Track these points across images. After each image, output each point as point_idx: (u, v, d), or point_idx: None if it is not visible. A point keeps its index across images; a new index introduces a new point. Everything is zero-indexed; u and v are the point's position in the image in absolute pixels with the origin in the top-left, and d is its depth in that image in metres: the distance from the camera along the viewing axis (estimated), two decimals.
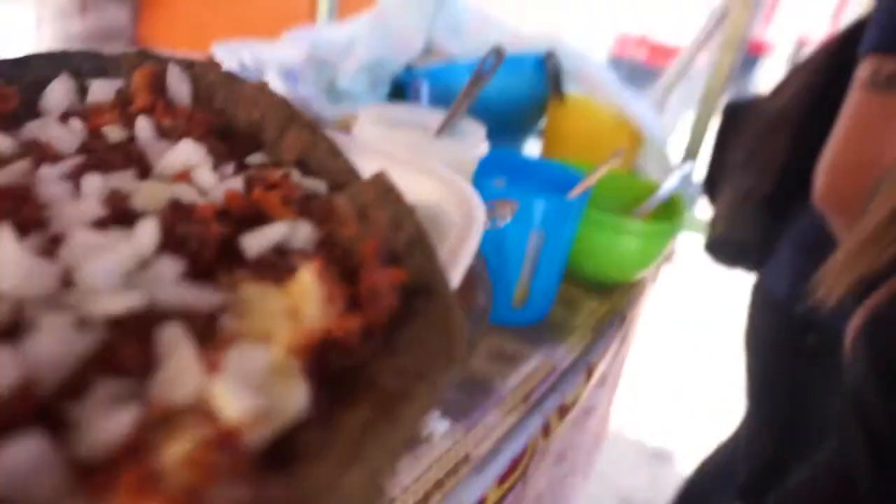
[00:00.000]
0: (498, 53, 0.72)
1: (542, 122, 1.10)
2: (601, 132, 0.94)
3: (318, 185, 0.23)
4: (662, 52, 6.12)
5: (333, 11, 1.59)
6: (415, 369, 0.14)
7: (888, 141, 0.73)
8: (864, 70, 0.76)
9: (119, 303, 0.14)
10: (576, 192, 0.67)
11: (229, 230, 0.18)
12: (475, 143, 0.66)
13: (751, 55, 7.01)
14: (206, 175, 0.22)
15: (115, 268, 0.15)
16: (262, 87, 0.29)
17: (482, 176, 0.66)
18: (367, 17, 1.22)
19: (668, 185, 0.82)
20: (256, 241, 0.18)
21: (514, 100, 1.06)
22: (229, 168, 0.24)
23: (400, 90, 1.16)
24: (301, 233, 0.19)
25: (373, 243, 0.17)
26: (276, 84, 0.96)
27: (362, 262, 0.16)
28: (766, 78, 8.78)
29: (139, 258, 0.16)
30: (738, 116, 1.04)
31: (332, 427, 0.13)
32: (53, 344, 0.13)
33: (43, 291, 0.14)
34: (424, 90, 1.00)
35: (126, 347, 0.14)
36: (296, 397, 0.13)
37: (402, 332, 0.15)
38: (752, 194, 0.99)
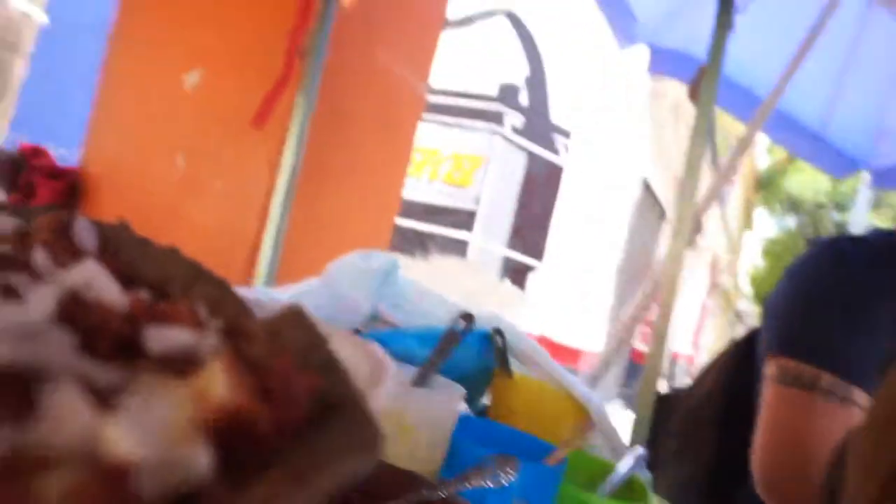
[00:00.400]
0: (467, 318, 0.75)
1: (484, 399, 1.10)
2: (549, 410, 0.95)
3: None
4: (564, 353, 6.62)
5: (272, 277, 1.63)
6: (327, 453, 0.14)
7: (810, 429, 0.80)
8: (770, 368, 0.86)
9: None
10: (552, 461, 0.65)
11: (130, 329, 0.17)
12: (455, 398, 0.65)
13: (635, 363, 7.73)
14: (110, 288, 0.19)
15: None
16: (173, 249, 0.28)
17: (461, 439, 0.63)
18: (315, 281, 1.26)
19: (625, 466, 0.81)
20: (161, 339, 0.16)
21: (460, 374, 1.07)
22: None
23: None
24: (208, 342, 0.17)
25: (287, 357, 0.17)
26: None
27: (275, 369, 0.16)
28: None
29: (30, 323, 0.15)
30: (665, 409, 1.10)
31: (238, 496, 0.13)
32: None
33: None
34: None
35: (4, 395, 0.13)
36: (197, 458, 0.13)
37: (317, 432, 0.15)
38: (690, 484, 0.99)
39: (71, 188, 1.82)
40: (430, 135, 6.82)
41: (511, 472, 0.51)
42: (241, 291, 0.97)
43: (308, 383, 0.16)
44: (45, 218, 0.25)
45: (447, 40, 6.63)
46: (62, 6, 6.44)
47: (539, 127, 6.95)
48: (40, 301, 0.16)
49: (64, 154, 2.01)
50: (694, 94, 1.33)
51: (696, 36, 1.80)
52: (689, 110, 7.17)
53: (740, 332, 1.30)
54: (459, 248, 6.84)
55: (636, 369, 8.47)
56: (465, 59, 6.85)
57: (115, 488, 0.12)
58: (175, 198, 1.84)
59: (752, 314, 16.08)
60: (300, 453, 0.14)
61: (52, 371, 0.14)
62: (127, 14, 2.07)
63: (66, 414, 0.13)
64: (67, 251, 0.24)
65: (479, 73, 6.89)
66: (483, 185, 6.79)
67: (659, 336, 1.14)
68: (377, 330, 1.15)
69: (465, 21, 6.95)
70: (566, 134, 6.96)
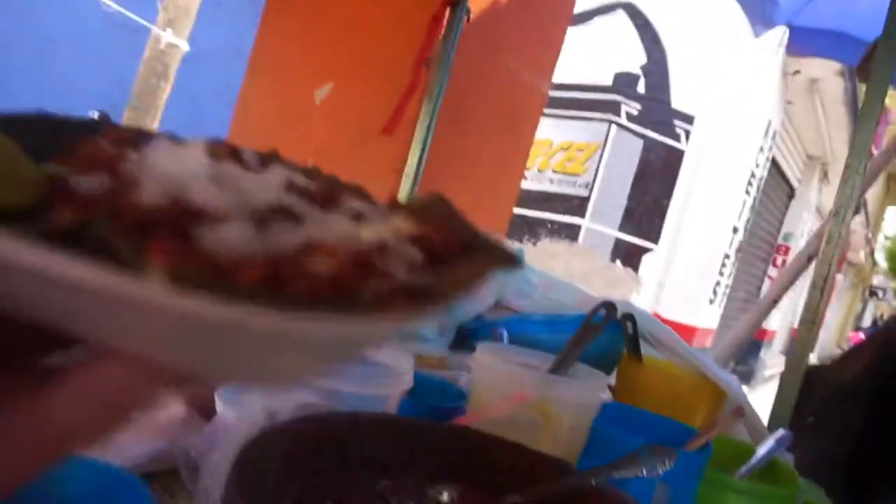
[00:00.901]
0: (608, 307, 0.79)
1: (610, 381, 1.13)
2: (683, 393, 0.96)
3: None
4: (677, 330, 6.41)
5: None
6: (483, 258, 0.20)
7: None
8: None
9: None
10: (694, 446, 0.67)
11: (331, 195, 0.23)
12: (598, 386, 0.68)
13: (756, 340, 7.40)
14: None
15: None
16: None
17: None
18: None
19: (765, 448, 0.81)
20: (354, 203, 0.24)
21: (588, 358, 1.11)
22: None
23: (464, 337, 1.23)
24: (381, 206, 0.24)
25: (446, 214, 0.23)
26: None
27: (435, 217, 0.22)
28: (769, 361, 9.08)
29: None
30: (809, 383, 1.07)
31: (438, 271, 0.19)
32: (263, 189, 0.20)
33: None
34: (505, 337, 1.05)
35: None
36: (412, 250, 0.19)
37: (471, 253, 0.20)
38: (826, 459, 0.97)
39: None
40: (543, 127, 6.78)
41: (668, 462, 0.52)
42: None
43: (457, 228, 0.22)
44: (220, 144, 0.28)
45: (568, 35, 6.60)
46: (204, 35, 7.08)
47: (658, 113, 6.71)
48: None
49: None
50: (863, 72, 1.26)
51: (849, 12, 1.70)
52: (824, 88, 6.63)
53: (872, 308, 1.23)
54: (571, 233, 6.77)
55: (754, 346, 8.00)
56: (583, 53, 6.76)
57: (367, 263, 0.17)
58: None
59: (887, 289, 15.53)
60: (464, 261, 0.20)
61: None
62: (265, 39, 2.28)
63: (338, 223, 0.20)
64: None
65: (597, 66, 6.78)
66: (596, 172, 6.68)
67: (811, 317, 1.10)
68: (501, 316, 1.21)
69: (585, 17, 6.84)
70: (689, 119, 6.67)
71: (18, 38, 9.06)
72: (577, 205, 6.78)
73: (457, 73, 1.75)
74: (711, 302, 6.83)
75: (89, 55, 8.50)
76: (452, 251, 0.20)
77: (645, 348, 1.09)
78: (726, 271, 6.92)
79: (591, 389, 0.66)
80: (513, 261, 0.22)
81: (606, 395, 0.67)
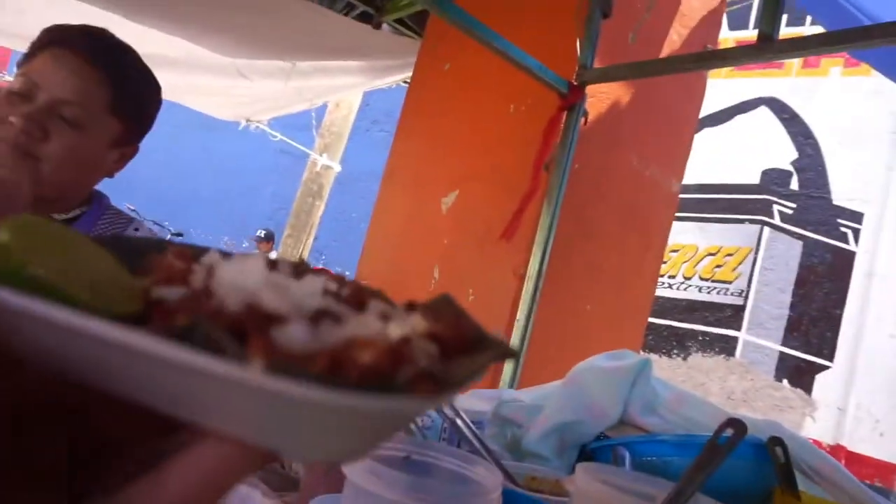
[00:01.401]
0: (736, 426, 0.65)
1: None
2: None
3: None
4: (869, 467, 5.46)
5: (515, 382, 1.66)
6: (484, 354, 0.24)
7: None
8: None
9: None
10: None
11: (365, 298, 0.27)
12: None
13: None
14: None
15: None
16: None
17: None
18: (558, 384, 1.24)
19: None
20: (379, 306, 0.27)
21: (730, 490, 0.93)
22: None
23: (586, 458, 1.10)
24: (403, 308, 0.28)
25: (454, 313, 0.26)
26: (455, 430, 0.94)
27: (446, 319, 0.25)
28: None
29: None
30: None
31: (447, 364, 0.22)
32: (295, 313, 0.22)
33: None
34: (627, 459, 0.92)
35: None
36: (429, 345, 0.22)
37: (475, 348, 0.24)
38: None
39: None
40: (688, 231, 6.51)
41: None
42: (487, 393, 1.00)
43: (466, 326, 0.25)
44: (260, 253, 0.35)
45: (707, 136, 6.50)
46: (355, 158, 7.88)
47: (817, 211, 6.16)
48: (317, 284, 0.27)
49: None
50: None
51: None
52: None
53: None
54: (725, 347, 6.17)
55: None
56: (726, 154, 6.54)
57: (399, 354, 0.20)
58: None
59: None
60: (468, 356, 0.24)
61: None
62: (397, 154, 2.44)
63: (370, 322, 0.23)
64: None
65: (742, 165, 6.49)
66: (750, 279, 6.15)
67: None
68: (627, 436, 1.07)
69: (724, 116, 6.70)
70: (856, 216, 6.03)
71: (202, 169, 10.63)
72: (731, 315, 6.23)
73: (577, 175, 1.72)
74: None
75: (260, 181, 9.72)
76: (462, 345, 0.24)
77: (802, 483, 0.89)
78: None
79: None
80: (512, 354, 0.26)
81: None
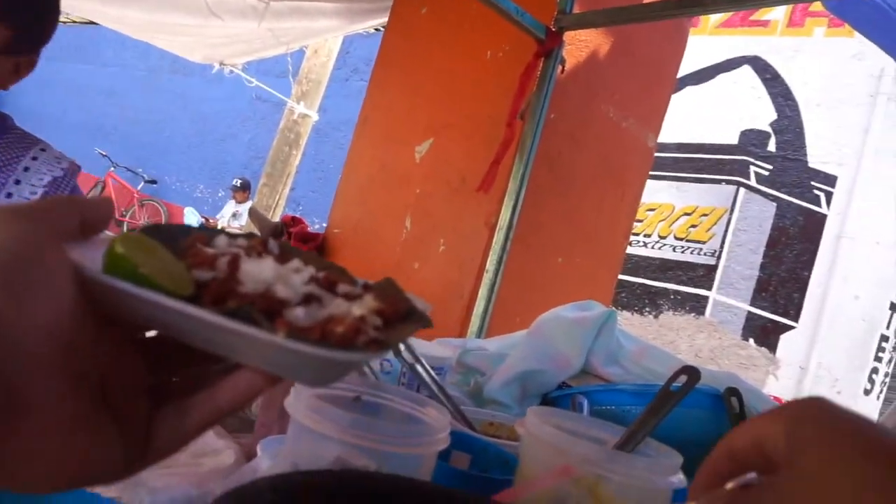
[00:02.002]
0: (690, 373, 0.65)
1: None
2: None
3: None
4: None
5: (483, 331, 1.65)
6: (414, 321, 0.36)
7: None
8: None
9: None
10: None
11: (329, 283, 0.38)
12: (668, 468, 0.55)
13: None
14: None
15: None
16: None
17: None
18: (523, 333, 1.24)
19: None
20: (343, 288, 0.37)
21: (683, 438, 0.94)
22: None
23: (550, 404, 1.10)
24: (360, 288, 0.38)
25: (395, 293, 0.38)
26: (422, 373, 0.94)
27: (390, 297, 0.37)
28: None
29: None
30: None
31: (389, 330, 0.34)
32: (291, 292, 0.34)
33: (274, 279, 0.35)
34: (585, 407, 0.92)
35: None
36: (375, 319, 0.34)
37: (406, 317, 0.36)
38: None
39: (318, 250, 2.10)
40: (664, 190, 6.52)
41: None
42: (454, 341, 0.99)
43: (401, 303, 0.36)
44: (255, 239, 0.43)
45: (688, 95, 6.45)
46: (334, 107, 7.70)
47: (793, 174, 6.20)
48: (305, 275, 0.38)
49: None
50: None
51: None
52: None
53: None
54: (696, 306, 6.28)
55: None
56: (706, 112, 6.49)
57: (358, 328, 0.32)
58: (402, 256, 2.00)
59: None
60: (403, 324, 0.36)
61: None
62: (372, 101, 2.37)
63: (341, 304, 0.35)
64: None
65: (721, 125, 6.46)
66: (723, 239, 6.22)
67: None
68: (588, 385, 1.08)
69: (706, 74, 6.62)
70: (830, 179, 6.08)
71: (177, 115, 10.32)
72: (703, 274, 6.32)
73: (553, 124, 1.69)
74: (868, 392, 5.95)
75: (236, 128, 9.48)
76: (398, 317, 0.35)
77: None
78: (884, 356, 6.02)
79: (657, 470, 0.53)
80: (428, 323, 0.37)
81: (680, 480, 0.53)
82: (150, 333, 0.35)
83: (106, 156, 9.45)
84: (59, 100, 11.32)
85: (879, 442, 0.33)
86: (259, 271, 0.35)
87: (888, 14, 1.89)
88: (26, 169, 1.14)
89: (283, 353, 0.30)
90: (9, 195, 1.12)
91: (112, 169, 9.53)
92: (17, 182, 1.13)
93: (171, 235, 0.37)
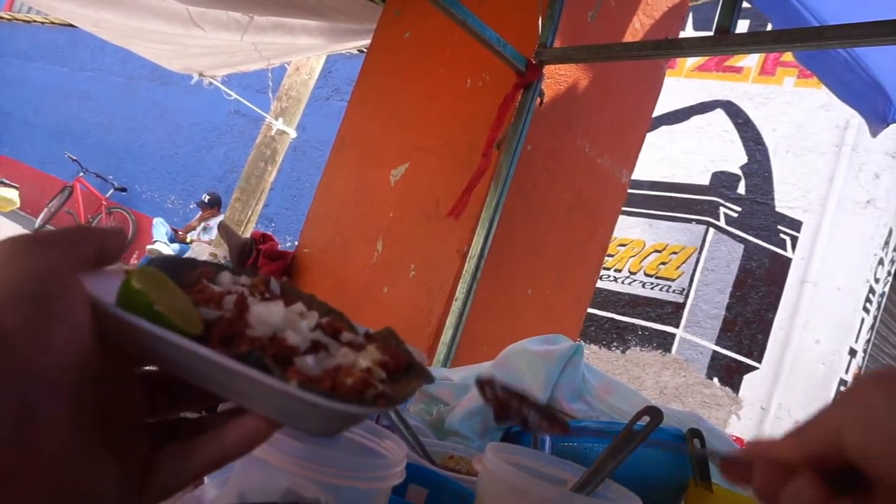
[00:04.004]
0: (653, 414, 0.64)
1: None
2: None
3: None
4: None
5: (449, 360, 1.63)
6: (416, 377, 0.36)
7: None
8: None
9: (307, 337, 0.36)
10: None
11: (333, 329, 0.38)
12: None
13: None
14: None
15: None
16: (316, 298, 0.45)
17: None
18: (487, 365, 1.22)
19: None
20: (346, 336, 0.38)
21: (645, 480, 0.93)
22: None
23: (510, 440, 1.08)
24: (361, 338, 0.39)
25: (395, 346, 0.38)
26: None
27: (391, 349, 0.37)
28: None
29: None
30: None
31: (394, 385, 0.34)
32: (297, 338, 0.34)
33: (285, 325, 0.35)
34: (547, 443, 0.90)
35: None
36: (380, 372, 0.34)
37: (408, 371, 0.37)
38: None
39: (286, 268, 2.06)
40: (636, 226, 6.62)
41: None
42: None
43: (403, 356, 0.37)
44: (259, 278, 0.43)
45: (663, 134, 6.61)
46: (313, 126, 7.68)
47: (760, 217, 6.35)
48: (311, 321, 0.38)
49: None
50: None
51: None
52: None
53: None
54: (663, 342, 6.34)
55: None
56: (679, 153, 6.65)
57: (366, 381, 0.32)
58: (372, 279, 1.97)
59: None
60: (405, 377, 0.36)
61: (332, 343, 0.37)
62: (349, 123, 2.37)
63: (348, 353, 0.34)
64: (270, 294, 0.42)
65: (694, 166, 6.62)
66: (691, 278, 6.32)
67: None
68: None
69: (681, 115, 6.79)
70: (795, 224, 6.25)
71: (152, 124, 10.19)
72: (671, 312, 6.40)
73: (528, 156, 1.70)
74: None
75: (212, 141, 9.39)
76: (400, 369, 0.36)
77: (717, 476, 0.90)
78: None
79: None
80: (431, 379, 0.37)
81: None
82: (149, 368, 0.35)
83: (76, 160, 9.25)
84: (32, 100, 11.09)
85: None
86: (268, 314, 0.34)
87: (853, 67, 1.96)
88: None
89: (295, 403, 0.29)
90: None
91: (81, 174, 9.31)
92: None
93: (175, 268, 0.37)
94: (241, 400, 0.32)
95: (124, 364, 0.32)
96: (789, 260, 6.20)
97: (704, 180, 6.57)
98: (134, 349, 0.31)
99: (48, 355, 0.26)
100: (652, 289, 6.52)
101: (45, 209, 9.25)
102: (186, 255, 7.13)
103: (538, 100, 1.57)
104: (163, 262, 0.36)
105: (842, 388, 6.05)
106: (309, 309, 0.38)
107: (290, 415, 0.31)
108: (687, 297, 6.34)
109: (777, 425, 5.97)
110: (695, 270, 6.33)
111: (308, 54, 4.52)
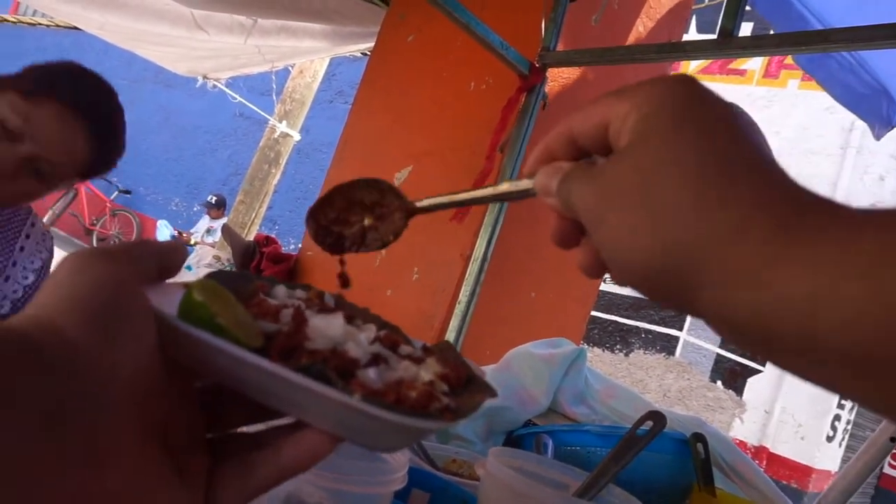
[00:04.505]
0: (656, 419, 0.64)
1: None
2: None
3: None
4: (788, 469, 5.71)
5: None
6: (478, 391, 0.35)
7: None
8: None
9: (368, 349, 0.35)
10: None
11: (391, 342, 0.38)
12: None
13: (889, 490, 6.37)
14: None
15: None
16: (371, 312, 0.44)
17: None
18: (490, 368, 1.22)
19: None
20: (403, 349, 0.37)
21: (649, 483, 0.93)
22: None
23: (513, 444, 1.08)
24: (420, 349, 0.39)
25: (455, 358, 0.38)
26: None
27: (451, 362, 0.37)
28: None
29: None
30: None
31: (457, 398, 0.34)
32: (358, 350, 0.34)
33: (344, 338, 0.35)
34: (550, 447, 0.90)
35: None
36: (442, 386, 0.34)
37: (469, 385, 0.36)
38: None
39: (289, 272, 2.06)
40: None
41: None
42: None
43: (462, 369, 0.36)
44: (313, 291, 0.42)
45: None
46: (316, 128, 7.69)
47: None
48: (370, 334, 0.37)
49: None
50: None
51: None
52: None
53: None
54: (667, 345, 6.33)
55: (884, 497, 6.84)
56: None
57: (430, 394, 0.32)
58: (375, 282, 1.97)
59: None
60: (466, 391, 0.35)
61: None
62: (353, 126, 2.37)
63: (409, 367, 0.34)
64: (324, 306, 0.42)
65: None
66: None
67: None
68: (554, 424, 1.06)
69: None
70: None
71: (157, 126, 10.22)
72: (674, 315, 6.38)
73: None
74: (830, 439, 6.01)
75: (216, 144, 9.41)
76: (461, 383, 0.35)
77: (720, 480, 0.90)
78: (847, 404, 6.12)
79: None
80: (494, 394, 0.35)
81: None
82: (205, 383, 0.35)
83: None
84: None
85: (734, 127, 0.31)
86: (327, 327, 0.34)
87: (856, 70, 1.96)
88: (21, 249, 1.15)
89: (358, 417, 0.29)
90: (7, 278, 1.10)
91: None
92: (14, 264, 1.12)
93: (231, 282, 0.37)
94: (302, 414, 0.31)
95: (185, 379, 0.32)
96: None
97: None
98: (194, 363, 0.30)
99: (115, 364, 0.26)
100: None
101: (49, 211, 9.28)
102: (190, 257, 7.16)
103: (541, 103, 1.57)
104: (220, 276, 0.36)
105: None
106: (365, 322, 0.38)
107: (353, 429, 0.30)
108: None
109: (781, 429, 5.95)
110: None
111: (312, 57, 4.54)
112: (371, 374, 0.32)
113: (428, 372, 0.34)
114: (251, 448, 0.32)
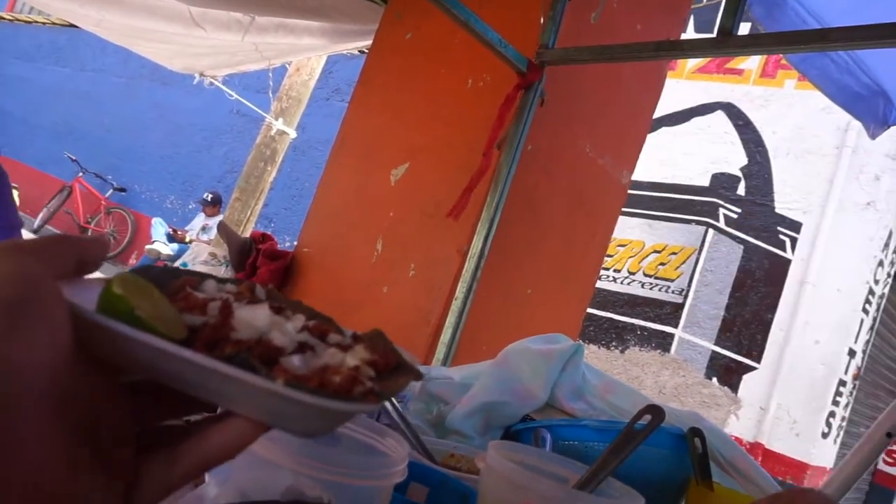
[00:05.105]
0: (654, 412, 0.64)
1: None
2: None
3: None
4: (783, 464, 5.74)
5: (449, 360, 1.63)
6: (403, 374, 0.36)
7: None
8: None
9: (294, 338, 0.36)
10: None
11: (320, 331, 0.38)
12: None
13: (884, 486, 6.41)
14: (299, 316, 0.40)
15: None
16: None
17: None
18: (488, 363, 1.22)
19: None
20: (332, 337, 0.37)
21: (646, 478, 0.93)
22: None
23: (510, 439, 1.09)
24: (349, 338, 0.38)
25: (385, 345, 0.38)
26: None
27: (379, 349, 0.37)
28: None
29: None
30: None
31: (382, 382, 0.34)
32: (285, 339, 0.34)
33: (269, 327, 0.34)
34: (548, 442, 0.90)
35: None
36: (369, 370, 0.33)
37: (397, 370, 0.36)
38: None
39: (285, 268, 2.06)
40: (636, 227, 6.63)
41: None
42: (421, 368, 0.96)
43: (391, 355, 0.37)
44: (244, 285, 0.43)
45: (664, 136, 6.62)
46: (313, 126, 7.68)
47: (760, 218, 6.36)
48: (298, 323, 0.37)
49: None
50: None
51: None
52: None
53: None
54: (662, 342, 6.35)
55: (879, 493, 6.87)
56: (679, 154, 6.67)
57: (355, 378, 0.32)
58: (372, 278, 1.97)
59: None
60: (393, 375, 0.35)
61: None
62: (350, 123, 2.37)
63: (336, 353, 0.34)
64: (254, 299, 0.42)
65: (694, 167, 6.63)
66: (690, 278, 6.32)
67: None
68: (552, 419, 1.06)
69: (681, 117, 6.81)
70: (795, 225, 6.25)
71: (152, 124, 10.19)
72: (670, 312, 6.40)
73: (529, 156, 1.70)
74: (825, 436, 6.04)
75: (212, 141, 9.39)
76: (388, 368, 0.36)
77: (717, 475, 0.90)
78: (842, 401, 6.14)
79: None
80: (420, 376, 0.37)
81: None
82: (133, 378, 0.34)
83: (75, 160, 9.25)
84: (32, 100, 11.09)
85: None
86: (253, 318, 0.34)
87: (852, 70, 1.97)
88: None
89: (282, 402, 0.29)
90: None
91: (80, 174, 9.31)
92: None
93: (158, 277, 0.37)
94: (227, 403, 0.31)
95: (108, 375, 0.31)
96: (789, 261, 6.21)
97: (704, 181, 6.57)
98: (116, 357, 0.30)
99: (26, 362, 0.26)
100: (651, 289, 6.53)
101: (44, 209, 9.25)
102: (186, 254, 7.15)
103: (539, 100, 1.58)
104: (145, 271, 0.36)
105: (841, 389, 6.07)
106: (295, 313, 0.38)
107: (277, 415, 0.30)
108: (686, 297, 6.35)
109: (776, 425, 5.98)
110: (694, 271, 6.33)
111: (309, 54, 4.53)
112: (295, 360, 0.32)
113: (354, 358, 0.34)
114: (177, 439, 0.32)
